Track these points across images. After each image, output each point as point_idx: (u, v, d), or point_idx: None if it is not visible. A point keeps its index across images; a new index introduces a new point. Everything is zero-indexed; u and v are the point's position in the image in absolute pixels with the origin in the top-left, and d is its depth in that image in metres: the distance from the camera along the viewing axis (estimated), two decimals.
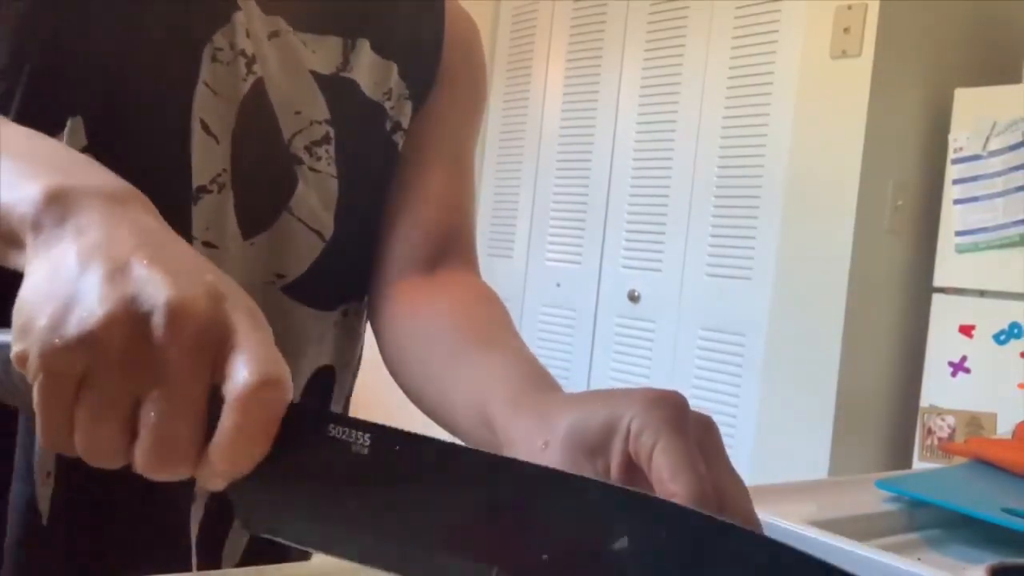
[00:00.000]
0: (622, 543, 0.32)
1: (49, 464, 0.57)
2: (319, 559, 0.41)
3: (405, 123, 0.70)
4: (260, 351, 0.33)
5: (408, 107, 0.70)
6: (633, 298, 2.86)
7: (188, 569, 0.62)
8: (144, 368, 0.32)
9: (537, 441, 0.43)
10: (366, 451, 0.34)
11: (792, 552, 0.30)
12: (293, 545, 0.35)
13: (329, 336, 0.69)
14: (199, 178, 0.59)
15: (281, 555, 0.62)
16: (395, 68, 0.69)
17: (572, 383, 2.96)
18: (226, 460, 0.33)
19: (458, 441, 0.52)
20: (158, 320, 0.32)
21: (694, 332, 2.69)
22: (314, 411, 0.36)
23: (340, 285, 0.69)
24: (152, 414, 0.33)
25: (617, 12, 2.99)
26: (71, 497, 0.57)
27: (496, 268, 3.28)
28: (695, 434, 0.40)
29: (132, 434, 0.33)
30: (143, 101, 0.58)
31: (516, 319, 1.12)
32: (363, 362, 0.76)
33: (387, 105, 0.69)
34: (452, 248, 0.70)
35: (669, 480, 0.37)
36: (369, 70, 0.68)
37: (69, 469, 0.57)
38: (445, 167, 0.72)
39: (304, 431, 0.34)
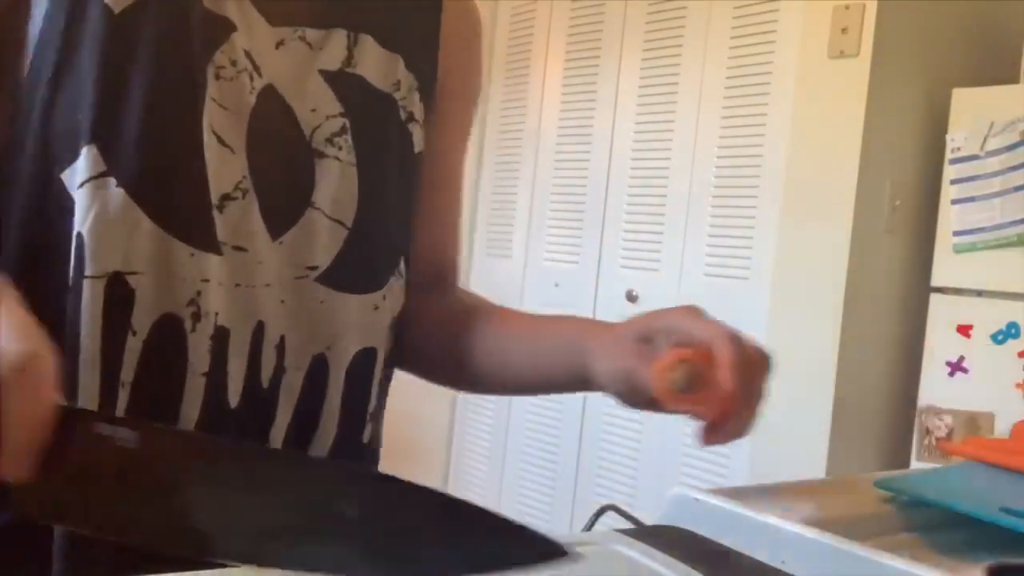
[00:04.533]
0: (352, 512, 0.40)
1: None
2: None
3: (418, 114, 0.75)
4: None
5: (417, 97, 0.75)
6: (631, 298, 2.86)
7: None
8: None
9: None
10: (132, 446, 0.40)
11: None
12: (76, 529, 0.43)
13: (372, 319, 0.73)
14: (222, 186, 0.63)
15: None
16: (401, 61, 0.74)
17: None
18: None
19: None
20: None
21: None
22: (82, 411, 0.44)
23: (376, 268, 0.74)
24: None
25: (615, 12, 2.99)
26: None
27: (494, 268, 3.28)
28: None
29: None
30: (154, 123, 0.61)
31: None
32: None
33: (397, 96, 0.74)
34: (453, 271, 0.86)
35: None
36: (376, 63, 0.72)
37: None
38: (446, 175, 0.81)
39: (73, 430, 0.40)
